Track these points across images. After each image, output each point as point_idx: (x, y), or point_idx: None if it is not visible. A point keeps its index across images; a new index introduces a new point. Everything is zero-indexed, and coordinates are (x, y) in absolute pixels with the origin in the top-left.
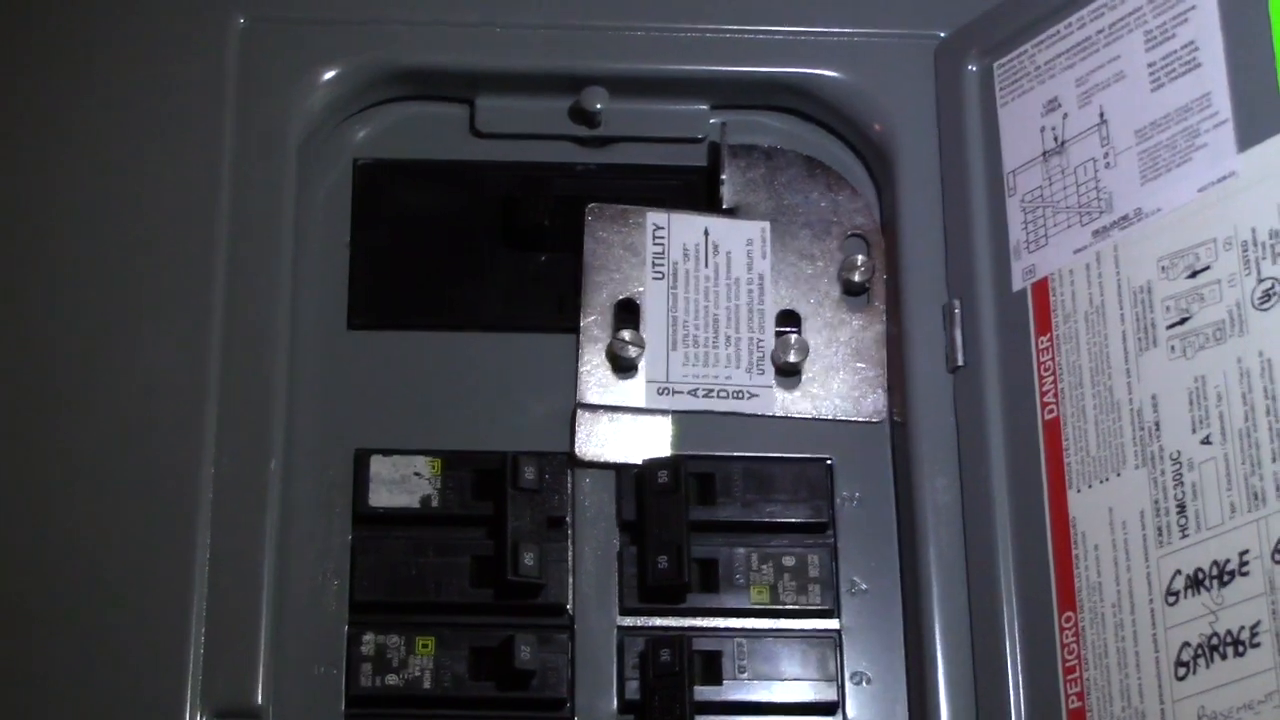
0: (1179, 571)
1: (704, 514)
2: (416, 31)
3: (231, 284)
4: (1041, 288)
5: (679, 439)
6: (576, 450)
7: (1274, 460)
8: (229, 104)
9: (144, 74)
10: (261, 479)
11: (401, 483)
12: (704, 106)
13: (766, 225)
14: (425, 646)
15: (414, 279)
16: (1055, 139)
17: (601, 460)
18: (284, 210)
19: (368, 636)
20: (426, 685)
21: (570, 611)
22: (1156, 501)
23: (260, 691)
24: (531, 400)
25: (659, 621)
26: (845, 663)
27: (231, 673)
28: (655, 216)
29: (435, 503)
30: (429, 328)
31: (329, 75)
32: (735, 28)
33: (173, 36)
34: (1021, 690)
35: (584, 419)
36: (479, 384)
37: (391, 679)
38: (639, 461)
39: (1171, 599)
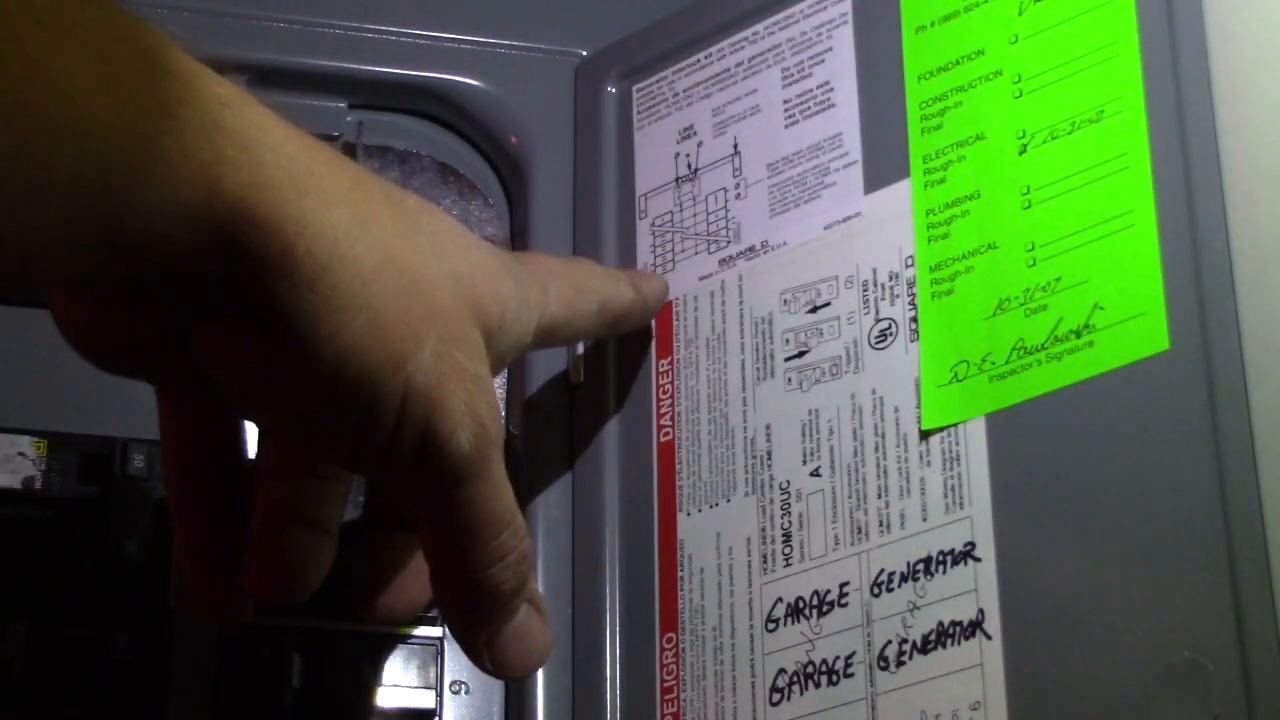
0: (780, 599)
1: None
2: None
3: None
4: (665, 311)
5: None
6: None
7: (879, 496)
8: None
9: None
10: None
11: (3, 462)
12: (342, 104)
13: None
14: None
15: None
16: (689, 166)
17: None
18: None
19: None
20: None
21: (171, 606)
22: (764, 529)
23: None
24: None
25: (259, 621)
26: (445, 671)
27: None
28: None
29: (38, 484)
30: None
31: None
32: (378, 28)
33: None
34: (619, 709)
35: None
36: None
37: None
38: None
39: (771, 626)
